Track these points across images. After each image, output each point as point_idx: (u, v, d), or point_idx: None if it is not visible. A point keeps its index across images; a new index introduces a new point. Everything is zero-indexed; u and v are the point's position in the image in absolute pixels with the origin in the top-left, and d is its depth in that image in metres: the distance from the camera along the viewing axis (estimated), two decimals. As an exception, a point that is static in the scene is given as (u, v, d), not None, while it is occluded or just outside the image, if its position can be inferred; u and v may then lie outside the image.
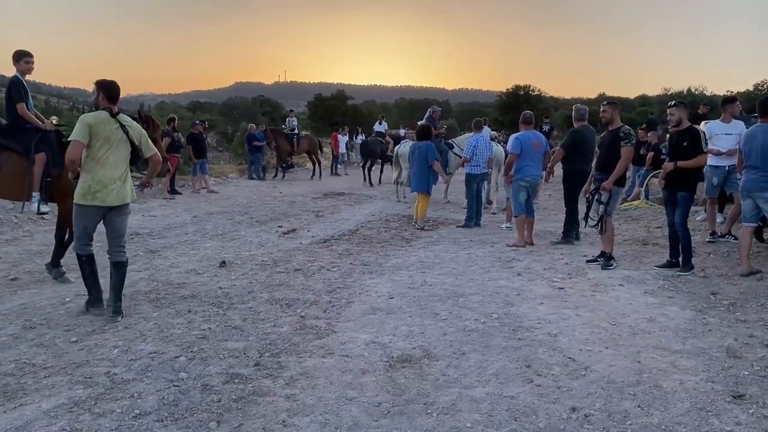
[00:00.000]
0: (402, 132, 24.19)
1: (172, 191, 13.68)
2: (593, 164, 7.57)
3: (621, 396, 3.57)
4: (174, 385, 3.64)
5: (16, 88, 6.03)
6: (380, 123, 24.30)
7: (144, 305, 5.28)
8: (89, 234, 4.99)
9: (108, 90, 4.95)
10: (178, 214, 10.75)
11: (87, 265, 5.05)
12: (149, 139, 5.18)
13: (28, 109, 6.11)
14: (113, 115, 4.87)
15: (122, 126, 4.90)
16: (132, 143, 4.97)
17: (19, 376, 3.74)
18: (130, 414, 3.27)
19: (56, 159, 5.99)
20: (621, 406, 3.45)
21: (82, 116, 4.98)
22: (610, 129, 7.12)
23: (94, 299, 5.05)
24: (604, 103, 7.28)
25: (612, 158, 6.92)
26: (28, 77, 6.24)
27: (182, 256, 7.34)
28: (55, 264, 6.11)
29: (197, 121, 16.07)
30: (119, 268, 5.00)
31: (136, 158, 5.13)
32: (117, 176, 4.87)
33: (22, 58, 6.12)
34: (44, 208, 6.08)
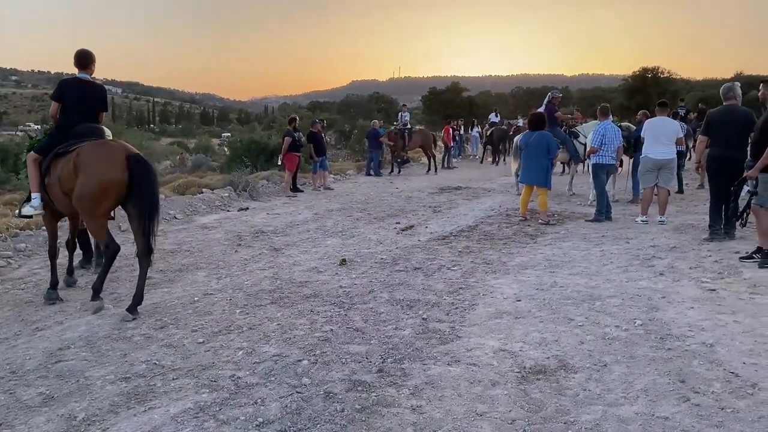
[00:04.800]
0: (520, 122, 23.42)
1: (294, 189, 14.00)
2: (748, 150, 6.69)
3: (803, 422, 3.02)
4: (297, 392, 3.55)
5: None
6: (496, 115, 24.08)
7: (268, 305, 5.29)
8: None
9: None
10: (300, 212, 10.93)
11: None
12: None
13: None
14: None
15: None
16: None
17: (149, 378, 3.81)
18: (254, 422, 3.19)
19: None
20: (805, 435, 2.91)
21: None
22: (765, 110, 6.26)
23: None
24: (764, 81, 6.39)
25: (764, 143, 6.09)
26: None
27: (304, 254, 7.38)
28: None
29: (316, 120, 16.38)
30: None
31: None
32: None
33: None
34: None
